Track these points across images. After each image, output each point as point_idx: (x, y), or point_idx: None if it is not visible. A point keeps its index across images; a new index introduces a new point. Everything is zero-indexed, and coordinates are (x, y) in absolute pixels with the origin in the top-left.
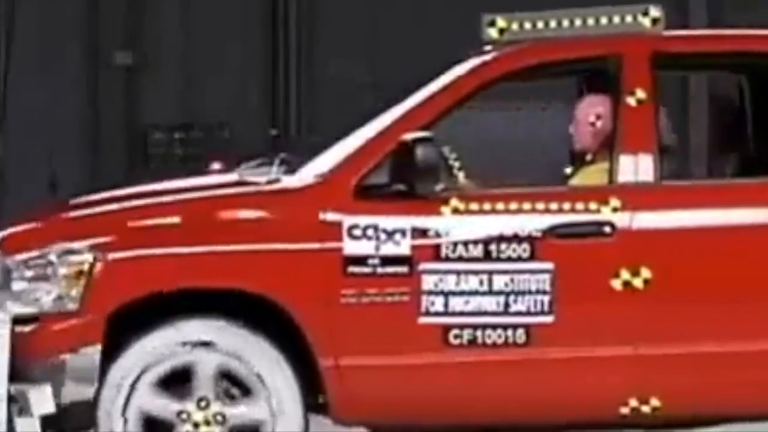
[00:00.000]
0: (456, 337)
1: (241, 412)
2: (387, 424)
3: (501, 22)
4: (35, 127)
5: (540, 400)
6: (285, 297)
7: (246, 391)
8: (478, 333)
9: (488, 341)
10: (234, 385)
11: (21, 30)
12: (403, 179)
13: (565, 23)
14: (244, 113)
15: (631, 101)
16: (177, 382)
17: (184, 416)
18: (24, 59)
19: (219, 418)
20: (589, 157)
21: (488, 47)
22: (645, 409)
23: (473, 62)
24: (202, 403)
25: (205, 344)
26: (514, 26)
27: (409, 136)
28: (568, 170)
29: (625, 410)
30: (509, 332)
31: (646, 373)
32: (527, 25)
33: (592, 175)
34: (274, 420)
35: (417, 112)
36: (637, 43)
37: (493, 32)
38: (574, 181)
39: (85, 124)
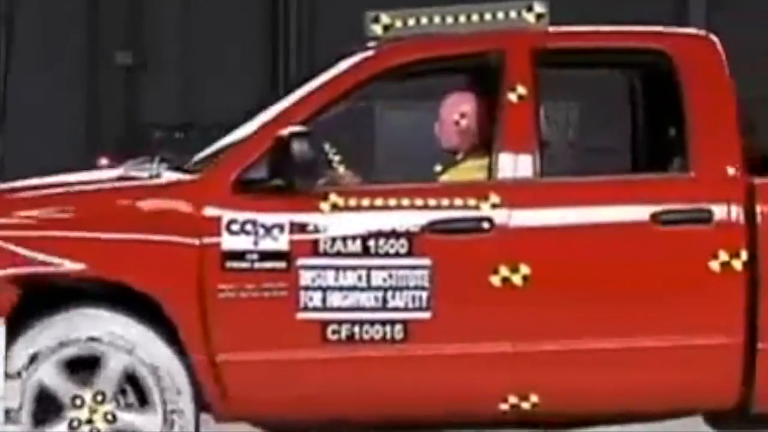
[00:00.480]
0: (334, 332)
1: (132, 420)
2: (268, 420)
3: (385, 19)
4: (35, 126)
5: (418, 397)
6: (158, 290)
7: (143, 401)
8: (356, 329)
9: (366, 337)
10: (135, 390)
11: (21, 30)
12: (281, 174)
13: (450, 20)
14: (244, 113)
15: (512, 97)
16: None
17: (78, 402)
18: (24, 59)
19: (109, 417)
20: (459, 156)
21: (372, 44)
22: (525, 405)
23: (353, 59)
24: (99, 397)
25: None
26: (398, 23)
27: (285, 132)
28: (438, 168)
29: (504, 407)
30: (387, 328)
31: (525, 370)
32: (411, 22)
33: (462, 173)
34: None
35: (294, 108)
36: (519, 39)
37: (377, 29)
38: (444, 179)
39: (85, 124)
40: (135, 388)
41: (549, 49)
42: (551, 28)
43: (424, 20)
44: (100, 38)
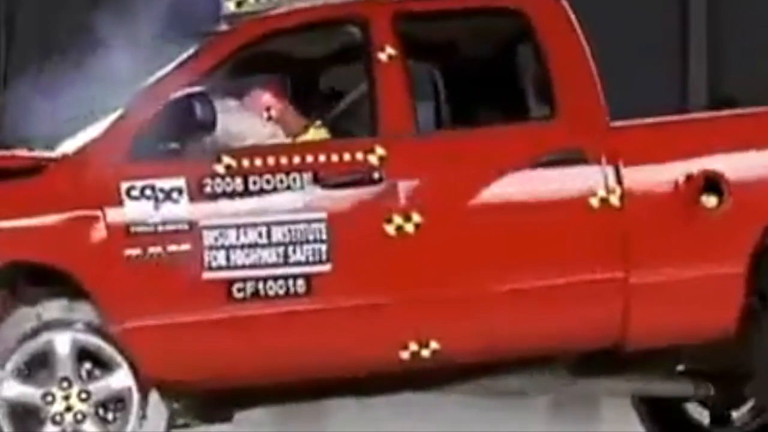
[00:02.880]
0: (239, 290)
1: (105, 384)
2: (185, 383)
3: None
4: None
5: (321, 350)
6: (72, 265)
7: (103, 366)
8: (260, 285)
9: (270, 293)
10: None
11: (21, 30)
12: (175, 138)
13: None
14: None
15: (383, 57)
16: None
17: (49, 398)
18: (24, 58)
19: (83, 395)
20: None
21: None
22: (425, 353)
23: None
24: (64, 384)
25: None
26: None
27: (180, 94)
28: None
29: (405, 355)
30: (290, 283)
31: (423, 317)
32: None
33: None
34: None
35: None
36: (381, 5)
37: (231, 5)
38: None
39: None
40: (90, 360)
41: (408, 12)
42: None
43: None
44: None
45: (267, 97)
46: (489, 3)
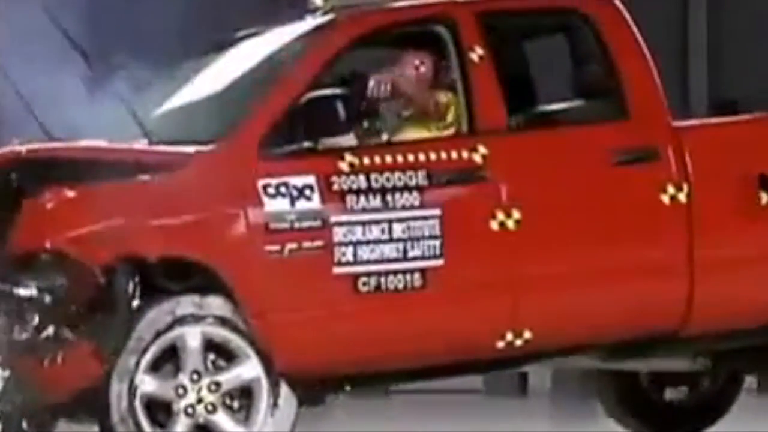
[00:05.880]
0: (364, 284)
1: (236, 374)
2: (311, 372)
3: None
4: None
5: (432, 340)
6: (216, 260)
7: (230, 358)
8: (382, 280)
9: (390, 287)
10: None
11: None
12: (304, 136)
13: None
14: None
15: (474, 57)
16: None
17: (180, 391)
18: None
19: (212, 387)
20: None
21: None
22: (518, 342)
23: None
24: (194, 376)
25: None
26: None
27: (312, 95)
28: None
29: (501, 344)
30: (407, 277)
31: (522, 308)
32: None
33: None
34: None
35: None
36: (464, 6)
37: (318, 1)
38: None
39: None
40: (218, 353)
41: (492, 12)
42: None
43: None
44: None
45: (416, 58)
46: (559, 3)
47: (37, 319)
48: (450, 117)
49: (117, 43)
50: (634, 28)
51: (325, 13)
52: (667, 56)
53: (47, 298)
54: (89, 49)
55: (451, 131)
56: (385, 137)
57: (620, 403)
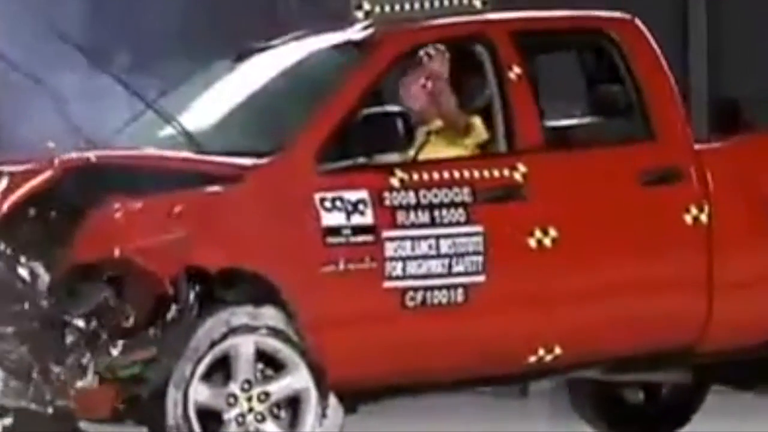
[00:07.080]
0: (411, 299)
1: (286, 384)
2: (360, 384)
3: (366, 5)
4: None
5: (470, 355)
6: (275, 273)
7: (278, 368)
8: (428, 295)
9: (435, 302)
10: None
11: None
12: (359, 151)
13: (417, 5)
14: None
15: (512, 76)
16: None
17: (231, 401)
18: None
19: (262, 397)
20: (432, 127)
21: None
22: (548, 358)
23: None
24: (245, 386)
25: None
26: (377, 8)
27: (371, 111)
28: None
29: (533, 359)
30: (451, 293)
31: (554, 324)
32: (387, 8)
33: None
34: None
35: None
36: (498, 24)
37: (359, 14)
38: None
39: None
40: (267, 362)
41: (526, 31)
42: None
43: (396, 7)
44: None
45: (423, 74)
46: (584, 24)
47: (101, 330)
48: (473, 137)
49: (147, 47)
50: (657, 49)
51: (366, 27)
52: (667, 56)
53: (112, 307)
54: (119, 54)
55: (476, 151)
56: (411, 153)
57: (594, 407)
